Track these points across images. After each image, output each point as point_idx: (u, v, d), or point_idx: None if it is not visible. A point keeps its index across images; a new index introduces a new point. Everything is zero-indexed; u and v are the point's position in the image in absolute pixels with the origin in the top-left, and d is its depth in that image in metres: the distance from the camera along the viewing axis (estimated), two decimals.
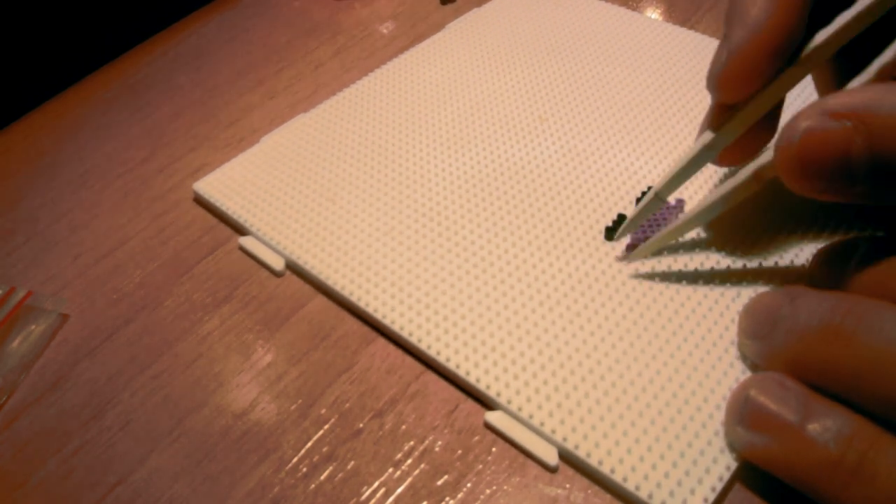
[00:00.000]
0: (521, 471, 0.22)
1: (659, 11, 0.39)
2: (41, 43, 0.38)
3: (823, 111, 0.19)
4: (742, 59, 0.21)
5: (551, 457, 0.21)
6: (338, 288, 0.26)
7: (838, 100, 0.19)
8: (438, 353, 0.24)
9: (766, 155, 0.22)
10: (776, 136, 0.20)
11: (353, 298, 0.26)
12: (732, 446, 0.20)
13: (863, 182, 0.19)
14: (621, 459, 0.21)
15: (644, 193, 0.28)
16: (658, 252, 0.26)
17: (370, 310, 0.25)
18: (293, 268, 0.28)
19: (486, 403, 0.23)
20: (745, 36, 0.21)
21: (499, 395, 0.22)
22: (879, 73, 0.20)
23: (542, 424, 0.22)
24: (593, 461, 0.21)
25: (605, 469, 0.20)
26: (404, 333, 0.24)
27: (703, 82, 0.33)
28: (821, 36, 0.21)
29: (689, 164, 0.24)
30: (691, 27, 0.38)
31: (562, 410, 0.22)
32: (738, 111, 0.23)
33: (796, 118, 0.19)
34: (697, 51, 0.35)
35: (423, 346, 0.24)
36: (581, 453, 0.21)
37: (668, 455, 0.21)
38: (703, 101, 0.32)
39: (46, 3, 0.37)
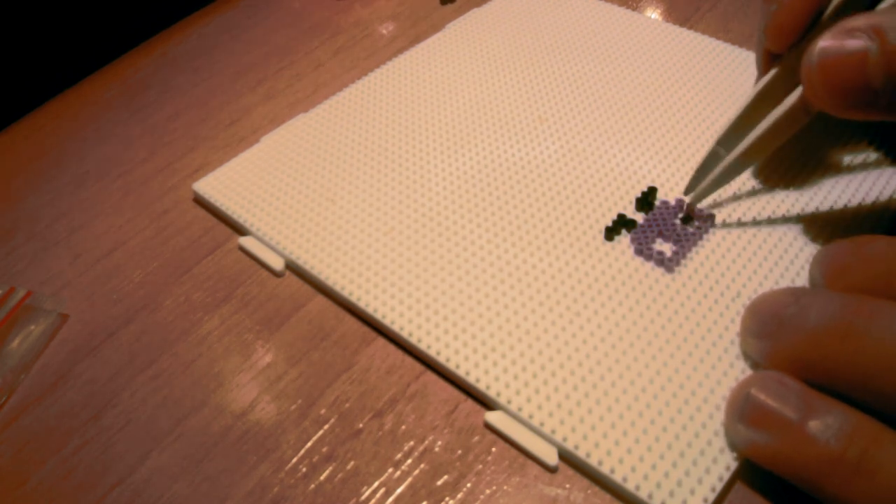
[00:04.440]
0: (521, 471, 0.22)
1: (659, 11, 0.39)
2: (41, 43, 0.38)
3: (842, 29, 0.20)
4: (783, 14, 0.24)
5: (551, 457, 0.21)
6: (338, 288, 0.26)
7: (857, 19, 0.20)
8: (438, 353, 0.24)
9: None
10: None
11: (353, 298, 0.26)
12: (733, 444, 0.20)
13: (884, 95, 0.19)
14: (621, 459, 0.21)
15: (644, 193, 0.28)
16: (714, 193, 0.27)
17: (370, 310, 0.25)
18: (293, 268, 0.28)
19: (486, 403, 0.23)
20: None
21: (499, 395, 0.22)
22: None
23: (542, 424, 0.22)
24: (593, 461, 0.21)
25: (604, 469, 0.20)
26: (404, 333, 0.24)
27: (703, 82, 0.33)
28: None
29: (744, 112, 0.26)
30: (691, 27, 0.38)
31: (562, 410, 0.22)
32: (783, 59, 0.25)
33: (817, 38, 0.20)
34: (697, 51, 0.35)
35: (423, 346, 0.24)
36: (581, 453, 0.21)
37: (668, 455, 0.21)
38: (703, 101, 0.32)
39: (46, 3, 0.37)
